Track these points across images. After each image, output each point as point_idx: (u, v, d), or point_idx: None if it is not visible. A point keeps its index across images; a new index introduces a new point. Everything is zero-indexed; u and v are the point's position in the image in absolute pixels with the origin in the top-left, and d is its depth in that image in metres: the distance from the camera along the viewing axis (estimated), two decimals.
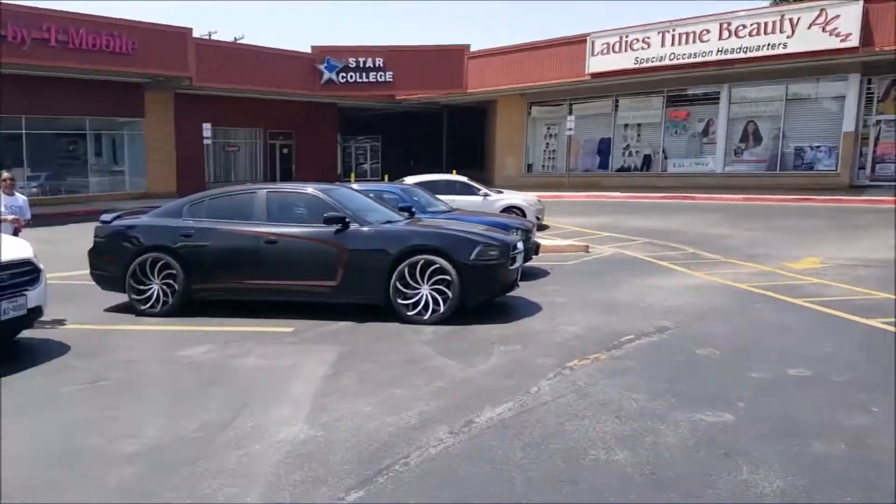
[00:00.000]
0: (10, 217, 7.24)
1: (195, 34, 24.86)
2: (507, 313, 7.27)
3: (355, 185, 11.14)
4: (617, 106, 26.05)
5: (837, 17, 18.76)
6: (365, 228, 7.16)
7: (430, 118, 35.08)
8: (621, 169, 26.02)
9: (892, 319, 6.61)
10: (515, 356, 5.74)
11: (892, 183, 19.57)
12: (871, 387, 4.82)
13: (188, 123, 25.79)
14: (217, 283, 7.46)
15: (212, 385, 5.21)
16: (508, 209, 14.41)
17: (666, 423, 4.24)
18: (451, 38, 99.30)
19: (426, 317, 6.82)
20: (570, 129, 24.39)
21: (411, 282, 6.88)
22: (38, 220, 16.14)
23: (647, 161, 25.40)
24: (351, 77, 28.49)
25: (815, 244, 11.82)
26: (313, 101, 29.78)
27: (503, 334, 6.42)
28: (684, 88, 24.22)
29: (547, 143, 28.26)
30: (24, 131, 22.22)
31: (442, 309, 6.80)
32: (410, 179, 15.09)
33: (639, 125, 25.72)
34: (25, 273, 5.97)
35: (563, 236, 13.56)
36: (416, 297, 6.87)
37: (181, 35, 23.85)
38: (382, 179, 28.22)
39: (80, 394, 5.08)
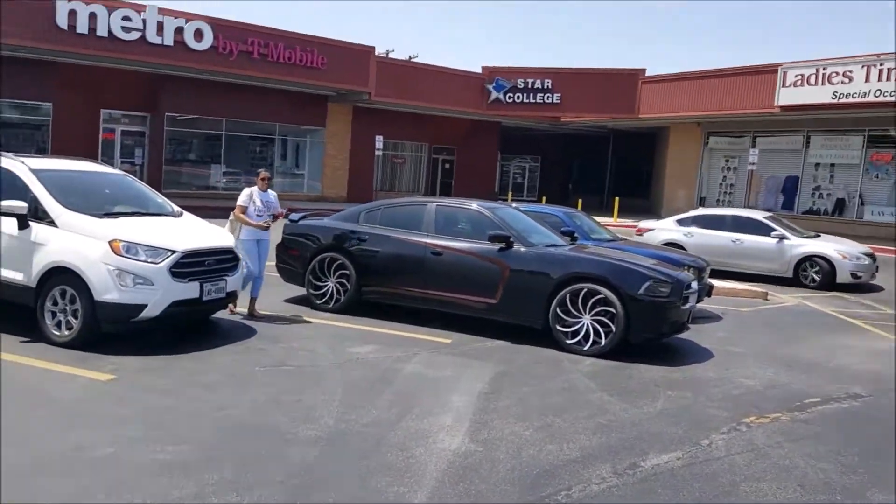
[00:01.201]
0: (272, 215, 7.70)
1: (375, 52, 26.48)
2: (674, 356, 6.92)
3: (516, 205, 11.21)
4: (808, 142, 24.00)
5: None
6: (528, 250, 7.15)
7: (594, 141, 34.50)
8: (808, 211, 23.84)
9: None
10: (684, 403, 5.43)
11: None
12: None
13: (362, 134, 27.46)
14: (384, 287, 7.81)
15: (379, 384, 5.45)
16: (807, 259, 12.23)
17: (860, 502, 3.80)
18: (623, 61, 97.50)
19: (586, 348, 6.66)
20: (753, 164, 22.78)
21: (572, 310, 6.75)
22: (229, 213, 17.98)
23: (840, 205, 23.11)
24: (518, 97, 28.85)
25: None
26: (478, 118, 30.49)
27: (670, 378, 6.11)
28: (888, 129, 21.82)
29: (724, 176, 26.64)
30: (223, 132, 24.96)
31: (603, 342, 6.61)
32: (699, 212, 14.36)
33: (832, 165, 23.50)
34: (226, 260, 6.63)
35: (739, 280, 12.68)
36: (577, 326, 6.73)
37: (365, 53, 25.48)
38: (539, 200, 28.20)
39: (267, 375, 5.54)
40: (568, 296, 6.76)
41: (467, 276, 7.34)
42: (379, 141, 25.87)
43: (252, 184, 7.92)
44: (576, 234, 8.88)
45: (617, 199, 26.43)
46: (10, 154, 6.79)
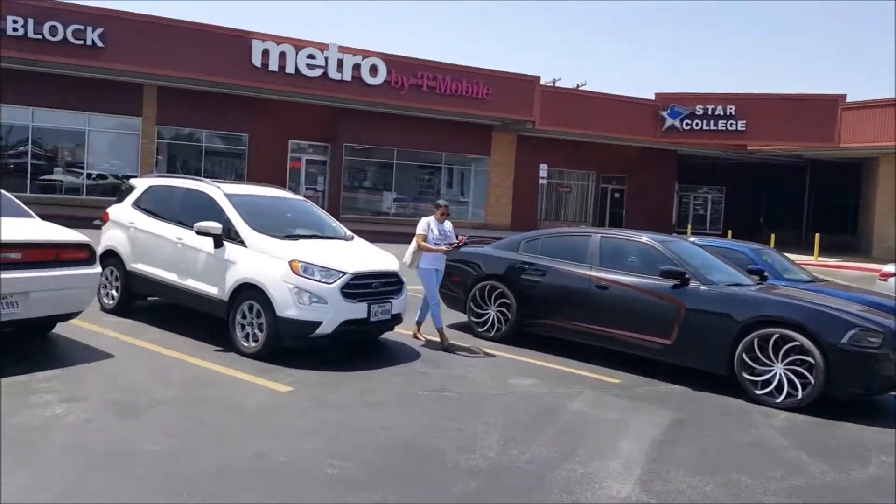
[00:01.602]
0: (453, 243, 7.56)
1: (542, 81, 26.50)
2: (888, 417, 5.99)
3: (693, 239, 10.44)
4: None
5: None
6: (707, 288, 6.56)
7: (788, 172, 31.66)
8: None
9: None
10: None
11: None
12: None
13: (526, 163, 27.53)
14: (545, 318, 7.56)
15: (540, 420, 5.21)
16: None
17: None
18: (817, 86, 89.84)
19: (779, 400, 5.93)
20: None
21: (762, 357, 6.06)
22: (398, 238, 18.72)
23: None
24: (696, 124, 27.41)
25: None
26: (650, 146, 29.35)
27: (883, 441, 5.24)
28: None
29: None
30: (394, 161, 26.32)
31: (799, 395, 5.85)
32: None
33: None
34: (392, 283, 6.81)
35: None
36: (768, 376, 6.02)
37: (530, 83, 25.61)
38: (724, 235, 26.33)
39: (430, 399, 5.53)
40: (756, 340, 6.09)
41: (637, 313, 6.88)
42: (543, 169, 25.78)
43: (427, 213, 8.07)
44: (766, 273, 8.05)
45: (818, 235, 23.77)
46: (209, 180, 7.54)
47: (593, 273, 7.24)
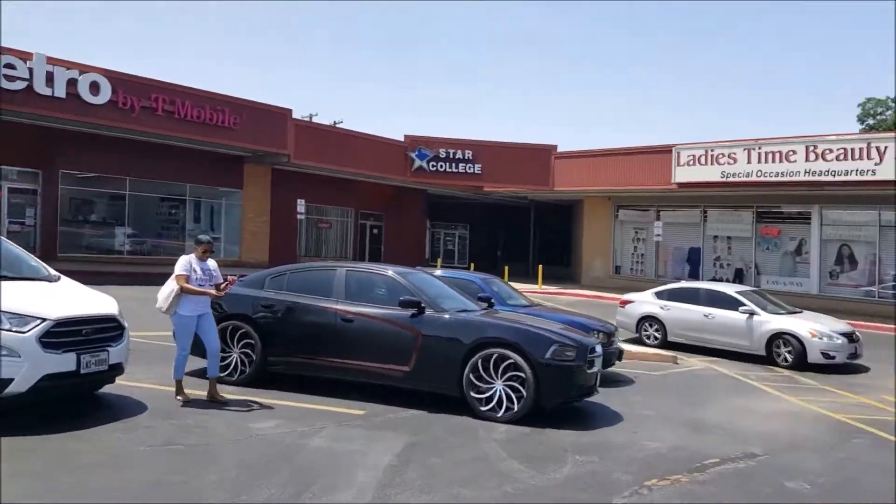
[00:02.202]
0: (220, 284, 6.92)
1: (296, 115, 26.51)
2: (585, 420, 6.99)
3: (438, 272, 11.25)
4: (706, 217, 25.58)
5: None
6: (440, 315, 7.11)
7: (518, 211, 35.56)
8: (712, 280, 25.15)
9: None
10: (591, 468, 5.43)
11: None
12: None
13: (284, 198, 27.12)
14: (293, 356, 7.54)
15: (277, 461, 5.17)
16: (777, 336, 11.58)
17: None
18: (539, 135, 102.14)
19: (500, 414, 6.62)
20: (658, 236, 24.01)
21: (485, 375, 6.73)
22: (135, 279, 17.13)
23: (739, 274, 24.50)
24: (441, 166, 29.65)
25: None
26: (403, 185, 30.89)
27: (579, 443, 6.13)
28: (775, 205, 23.58)
29: (635, 247, 27.89)
30: (127, 192, 23.54)
31: (516, 408, 6.59)
32: (673, 285, 14.03)
33: (729, 238, 25.05)
34: (109, 329, 6.14)
35: (633, 342, 13.07)
36: (490, 392, 6.70)
37: (282, 115, 25.42)
38: (468, 268, 28.51)
39: (153, 455, 5.14)
40: (480, 361, 6.74)
41: (380, 344, 7.20)
42: (301, 205, 25.58)
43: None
44: (492, 300, 8.97)
45: (541, 266, 27.11)
46: None
47: (339, 307, 7.41)
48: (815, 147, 20.33)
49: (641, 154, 25.38)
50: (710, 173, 22.75)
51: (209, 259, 7.09)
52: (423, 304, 7.11)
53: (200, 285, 6.76)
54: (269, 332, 7.57)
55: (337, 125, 38.79)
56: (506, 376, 6.67)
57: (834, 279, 22.17)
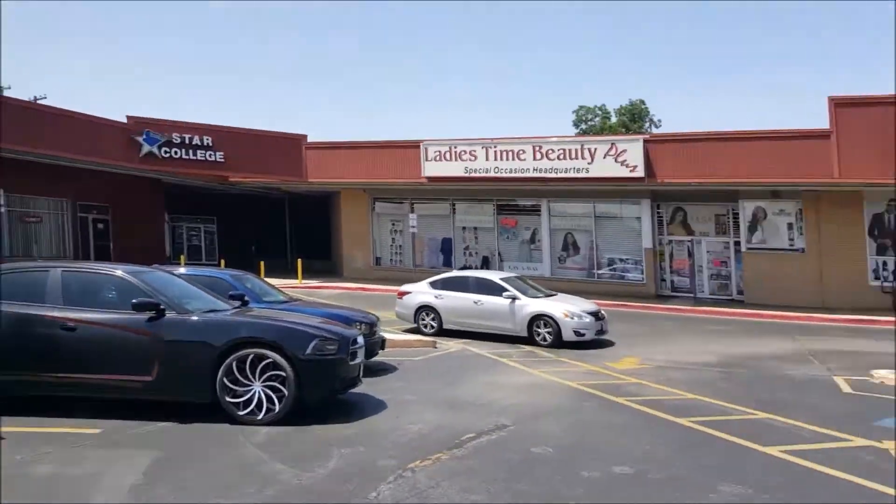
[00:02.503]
0: None
1: None
2: (350, 412, 6.96)
3: (182, 269, 10.38)
4: (454, 209, 27.31)
5: (625, 150, 21.71)
6: (185, 317, 6.53)
7: (272, 204, 34.20)
8: (464, 267, 26.89)
9: (700, 419, 7.20)
10: (357, 458, 5.43)
11: (689, 294, 22.19)
12: (685, 485, 5.12)
13: None
14: (7, 375, 6.38)
15: None
16: (537, 318, 12.57)
17: None
18: (286, 127, 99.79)
19: (259, 417, 6.30)
20: (413, 227, 25.04)
21: (241, 378, 6.35)
22: None
23: (486, 262, 26.61)
24: (176, 153, 26.64)
25: (632, 346, 12.80)
26: (132, 174, 27.47)
27: (345, 435, 6.09)
28: (512, 199, 26.07)
29: (393, 238, 28.67)
30: None
31: (277, 408, 6.33)
32: (445, 275, 14.32)
33: (475, 228, 27.06)
34: None
35: (412, 331, 13.52)
36: (248, 395, 6.34)
37: None
38: (218, 265, 26.73)
39: None
40: (235, 363, 6.34)
41: (113, 353, 6.38)
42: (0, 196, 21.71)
43: None
44: (246, 298, 8.51)
45: (300, 260, 26.39)
46: None
47: (56, 313, 6.42)
48: (541, 147, 22.87)
49: (393, 148, 26.12)
50: (455, 169, 24.32)
51: None
52: (161, 306, 6.46)
53: None
54: None
55: (39, 101, 33.65)
56: (265, 376, 6.37)
57: (562, 263, 25.20)
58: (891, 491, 5.03)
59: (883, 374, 9.69)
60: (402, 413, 7.00)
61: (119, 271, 6.96)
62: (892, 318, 16.34)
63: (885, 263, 19.76)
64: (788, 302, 19.44)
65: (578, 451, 5.93)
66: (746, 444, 6.24)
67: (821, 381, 9.76)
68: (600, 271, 24.19)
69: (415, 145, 25.35)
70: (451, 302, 13.37)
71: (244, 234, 35.81)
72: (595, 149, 22.16)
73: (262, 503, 4.45)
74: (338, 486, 4.79)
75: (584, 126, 52.32)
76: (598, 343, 12.77)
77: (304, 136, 28.30)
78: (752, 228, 21.68)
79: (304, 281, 24.51)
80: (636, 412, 7.51)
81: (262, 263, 25.46)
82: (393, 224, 28.73)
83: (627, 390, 8.71)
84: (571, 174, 22.39)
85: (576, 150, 22.38)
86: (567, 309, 12.65)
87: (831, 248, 20.18)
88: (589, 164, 22.06)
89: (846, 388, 9.15)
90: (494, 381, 9.04)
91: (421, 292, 13.85)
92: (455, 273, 14.97)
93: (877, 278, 19.68)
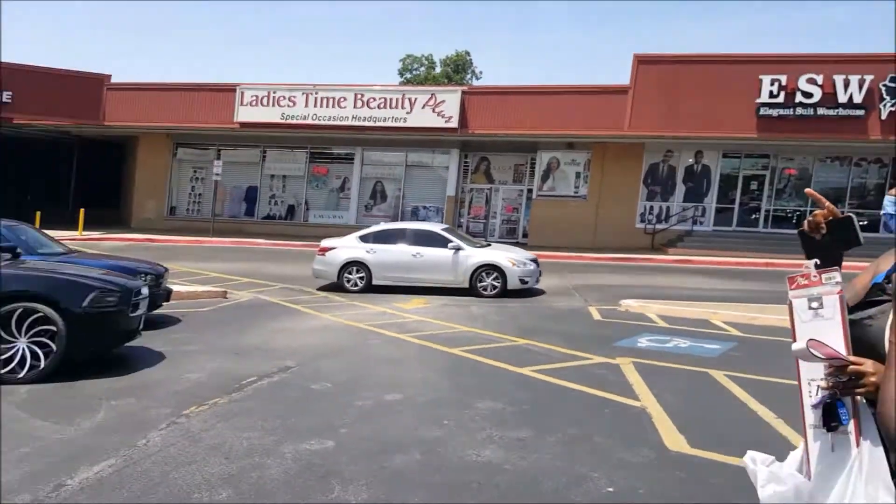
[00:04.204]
0: None
1: None
2: (125, 365, 6.82)
3: None
4: (265, 156, 26.55)
5: (444, 101, 22.49)
6: None
7: (57, 148, 30.66)
8: (267, 217, 26.45)
9: (468, 348, 8.06)
10: (126, 410, 5.43)
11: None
12: (446, 404, 5.83)
13: None
14: None
15: None
16: (481, 268, 12.43)
17: (272, 456, 4.50)
18: (86, 65, 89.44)
19: (21, 374, 6.02)
20: (217, 175, 23.98)
21: (5, 335, 6.02)
22: None
23: (292, 211, 26.33)
24: None
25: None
26: None
27: (116, 388, 6.01)
28: (327, 147, 25.92)
29: (193, 187, 27.27)
30: None
31: (42, 364, 6.08)
32: (377, 227, 13.47)
33: (284, 177, 26.57)
34: None
35: (203, 282, 13.19)
36: (11, 353, 6.02)
37: None
38: None
39: None
40: None
41: None
42: None
43: None
44: (19, 250, 7.93)
45: (83, 210, 24.18)
46: None
47: None
48: (363, 95, 22.91)
49: (205, 91, 24.72)
50: (272, 114, 23.61)
51: None
52: None
53: None
54: None
55: None
56: (32, 332, 6.09)
57: (368, 211, 25.73)
58: (608, 395, 6.11)
59: (628, 303, 11.37)
60: (181, 363, 7.02)
61: None
62: (648, 256, 18.99)
63: (651, 208, 22.67)
64: (566, 244, 21.63)
65: (356, 384, 6.41)
66: (505, 366, 7.15)
67: (578, 310, 11.22)
68: (403, 218, 25.09)
69: (230, 88, 24.17)
70: (385, 256, 12.85)
71: (20, 182, 31.91)
72: (416, 98, 22.63)
73: (18, 460, 4.36)
74: (103, 437, 4.80)
75: (408, 75, 52.47)
76: (534, 291, 12.87)
77: (108, 76, 25.90)
78: (545, 177, 23.67)
79: (85, 232, 22.63)
80: (415, 345, 8.20)
81: (38, 213, 23.05)
82: (195, 171, 27.36)
83: (412, 327, 9.40)
84: (390, 123, 22.74)
85: (396, 100, 22.71)
86: (511, 257, 12.67)
87: (609, 194, 22.66)
88: (408, 113, 22.53)
89: (597, 316, 10.64)
90: (284, 327, 9.27)
91: (348, 247, 13.12)
92: (388, 225, 14.31)
93: (643, 221, 22.57)
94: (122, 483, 4.04)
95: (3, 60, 24.73)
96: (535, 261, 12.94)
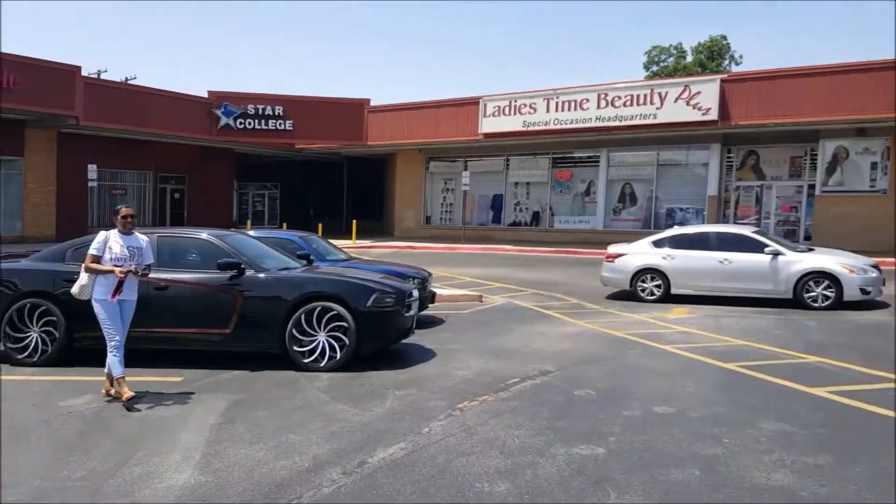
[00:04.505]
0: (125, 268, 5.87)
1: (84, 72, 24.01)
2: (402, 360, 7.51)
3: (251, 232, 11.08)
4: (508, 165, 27.46)
5: (699, 93, 20.96)
6: (261, 275, 7.20)
7: (330, 168, 35.41)
8: (513, 224, 27.29)
9: (746, 363, 7.40)
10: (409, 400, 5.96)
11: None
12: (725, 422, 5.41)
13: (72, 164, 24.62)
14: (99, 330, 7.18)
15: (95, 435, 5.07)
16: (809, 275, 10.94)
17: (544, 456, 4.60)
18: (349, 91, 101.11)
19: (322, 364, 6.92)
20: (466, 185, 25.42)
21: (308, 329, 6.98)
22: None
23: (536, 217, 26.81)
24: (249, 123, 28.43)
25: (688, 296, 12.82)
26: (208, 145, 29.28)
27: (398, 380, 6.64)
28: (569, 151, 25.97)
29: (444, 197, 29.26)
30: None
31: (338, 356, 6.93)
32: (673, 231, 12.68)
33: (528, 183, 27.20)
34: None
35: (459, 286, 14.01)
36: (313, 345, 6.97)
37: (69, 73, 22.99)
38: (280, 228, 28.01)
39: None
40: (303, 316, 6.96)
41: (197, 309, 7.12)
42: (92, 171, 23.41)
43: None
44: (311, 257, 9.17)
45: (354, 221, 27.54)
46: None
47: (152, 275, 7.16)
48: (606, 95, 22.58)
49: (451, 107, 26.47)
50: (513, 123, 24.41)
51: (138, 234, 6.26)
52: (242, 266, 7.13)
53: (117, 265, 5.90)
54: (74, 308, 7.10)
55: (129, 81, 35.59)
56: (329, 327, 6.97)
57: (616, 215, 25.10)
58: None
59: None
60: (449, 361, 7.50)
61: (205, 234, 7.64)
62: None
63: None
64: (860, 247, 18.74)
65: (620, 393, 6.28)
66: (792, 384, 6.45)
67: (882, 325, 9.70)
68: (657, 222, 23.97)
69: (473, 102, 25.55)
70: (686, 262, 11.71)
71: (303, 199, 37.39)
72: (666, 92, 21.65)
73: (328, 437, 5.02)
74: (394, 423, 5.33)
75: (654, 68, 50.11)
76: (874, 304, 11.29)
77: (367, 101, 29.32)
78: (831, 170, 20.76)
79: (357, 241, 25.45)
80: (681, 358, 7.77)
81: (319, 225, 26.70)
82: (445, 183, 29.24)
83: (675, 338, 8.94)
84: (637, 121, 22.04)
85: (644, 95, 21.94)
86: (846, 262, 11.05)
87: None
88: (658, 108, 21.61)
89: None
90: (539, 331, 9.42)
91: (640, 253, 12.17)
92: (688, 229, 13.03)
93: None
94: (413, 465, 4.43)
95: (285, 94, 29.04)
96: (876, 267, 11.23)
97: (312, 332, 6.98)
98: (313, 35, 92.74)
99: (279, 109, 28.67)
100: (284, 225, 28.49)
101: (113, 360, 5.95)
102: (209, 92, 28.36)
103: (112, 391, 6.00)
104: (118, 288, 5.88)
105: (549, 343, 8.59)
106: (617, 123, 22.42)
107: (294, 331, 6.96)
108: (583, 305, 12.03)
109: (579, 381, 6.68)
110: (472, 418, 5.44)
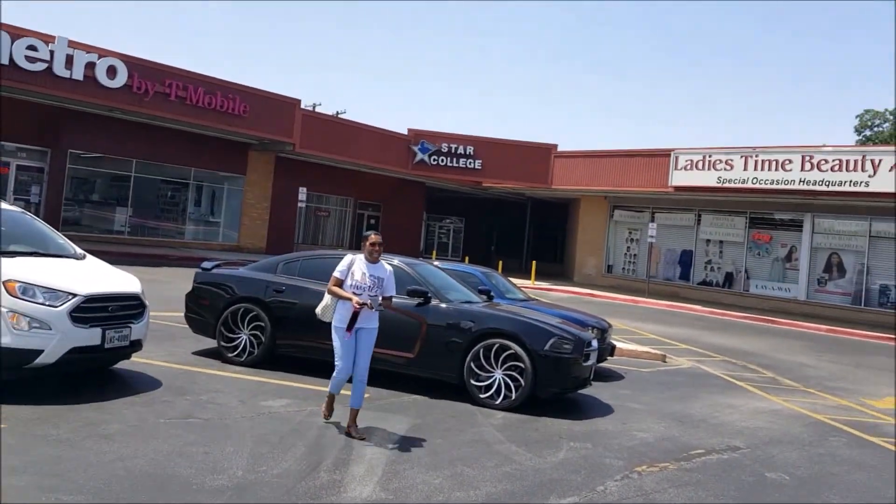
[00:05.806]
0: (360, 300, 5.62)
1: (302, 105, 26.81)
2: (578, 410, 7.34)
3: (437, 263, 11.51)
4: (699, 220, 26.04)
5: None
6: (445, 305, 7.42)
7: (514, 207, 36.11)
8: (702, 283, 25.72)
9: None
10: (584, 453, 5.79)
11: None
12: None
13: (285, 185, 27.45)
14: (300, 339, 7.82)
15: (290, 437, 5.49)
16: None
17: None
18: (536, 135, 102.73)
19: (497, 401, 6.95)
20: (652, 237, 24.46)
21: (486, 364, 7.06)
22: (135, 259, 17.38)
23: (729, 279, 25.03)
24: (442, 160, 30.02)
25: None
26: (404, 177, 31.26)
27: (573, 430, 6.48)
28: (769, 212, 24.10)
29: (628, 247, 28.41)
30: (132, 174, 23.98)
31: (514, 396, 6.93)
32: None
33: (721, 242, 25.54)
34: (132, 307, 6.48)
35: (641, 342, 13.42)
36: (490, 381, 7.03)
37: (290, 105, 25.76)
38: (462, 260, 28.96)
39: (172, 427, 5.44)
40: (481, 350, 7.07)
41: (385, 331, 7.45)
42: (302, 193, 25.88)
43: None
44: (491, 293, 9.30)
45: (534, 262, 27.68)
46: None
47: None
48: (811, 157, 20.81)
49: (640, 157, 25.86)
50: (707, 178, 23.21)
51: (382, 263, 5.97)
52: (429, 294, 7.41)
53: (357, 294, 5.70)
54: (280, 316, 7.86)
55: (339, 115, 39.17)
56: (505, 366, 7.00)
57: (821, 286, 22.67)
58: None
59: None
60: (628, 419, 7.17)
61: (396, 261, 8.08)
62: None
63: None
64: None
65: (818, 483, 5.63)
66: None
67: None
68: (868, 298, 21.31)
69: (664, 154, 24.79)
70: None
71: (485, 234, 38.41)
72: (880, 160, 19.55)
73: (501, 476, 5.02)
74: (567, 474, 5.20)
75: (867, 132, 45.60)
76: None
77: (555, 146, 29.96)
78: None
79: (536, 282, 25.38)
80: (893, 454, 6.77)
81: (500, 262, 27.09)
82: (630, 232, 28.38)
83: (885, 430, 7.83)
84: (847, 187, 20.07)
85: (855, 161, 19.98)
86: None
87: None
88: (870, 177, 19.56)
89: None
90: (728, 403, 8.71)
91: None
92: None
93: None
94: None
95: (476, 135, 30.24)
96: None
97: (490, 368, 7.05)
98: (506, 89, 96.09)
99: (470, 149, 29.99)
100: (466, 258, 29.40)
101: (334, 379, 5.93)
102: (409, 129, 30.41)
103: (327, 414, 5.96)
104: (353, 320, 5.67)
105: (739, 417, 7.92)
106: (823, 188, 20.49)
107: (472, 364, 7.08)
108: (779, 381, 10.94)
109: (772, 462, 6.06)
110: (650, 484, 5.15)
